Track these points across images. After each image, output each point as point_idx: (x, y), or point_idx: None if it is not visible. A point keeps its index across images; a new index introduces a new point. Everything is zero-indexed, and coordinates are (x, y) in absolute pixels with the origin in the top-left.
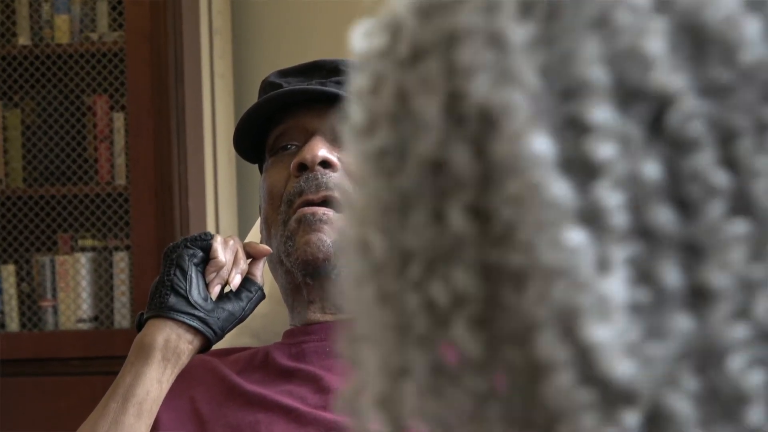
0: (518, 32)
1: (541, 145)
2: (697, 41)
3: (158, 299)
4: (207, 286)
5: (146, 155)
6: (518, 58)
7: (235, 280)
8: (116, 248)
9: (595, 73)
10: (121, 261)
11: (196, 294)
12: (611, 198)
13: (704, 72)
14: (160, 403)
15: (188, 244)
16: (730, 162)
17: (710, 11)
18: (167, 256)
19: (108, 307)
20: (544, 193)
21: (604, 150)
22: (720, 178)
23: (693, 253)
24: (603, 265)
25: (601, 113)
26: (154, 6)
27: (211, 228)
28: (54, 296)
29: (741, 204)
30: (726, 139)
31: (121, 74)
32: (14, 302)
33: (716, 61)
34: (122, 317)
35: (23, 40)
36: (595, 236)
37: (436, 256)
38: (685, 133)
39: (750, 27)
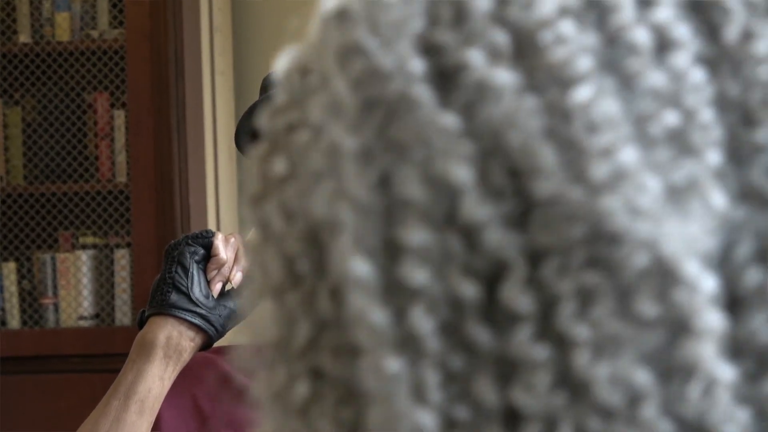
0: (351, 143)
1: (362, 269)
2: (506, 166)
3: (160, 296)
4: (208, 283)
5: (147, 153)
6: (350, 173)
7: (237, 278)
8: (117, 246)
9: (413, 193)
10: (122, 258)
11: (197, 291)
12: (425, 324)
13: (507, 199)
14: (161, 400)
15: (189, 241)
16: (537, 284)
17: (509, 136)
18: (168, 254)
19: (109, 305)
20: (364, 319)
21: (419, 275)
22: (524, 303)
23: (511, 370)
24: (418, 392)
25: (417, 236)
26: (154, 3)
27: (212, 225)
28: (55, 294)
29: (546, 328)
30: (534, 260)
31: (121, 72)
32: (15, 300)
33: (520, 187)
34: (123, 315)
35: (24, 37)
36: (411, 362)
37: (312, 333)
38: (496, 257)
39: (546, 155)
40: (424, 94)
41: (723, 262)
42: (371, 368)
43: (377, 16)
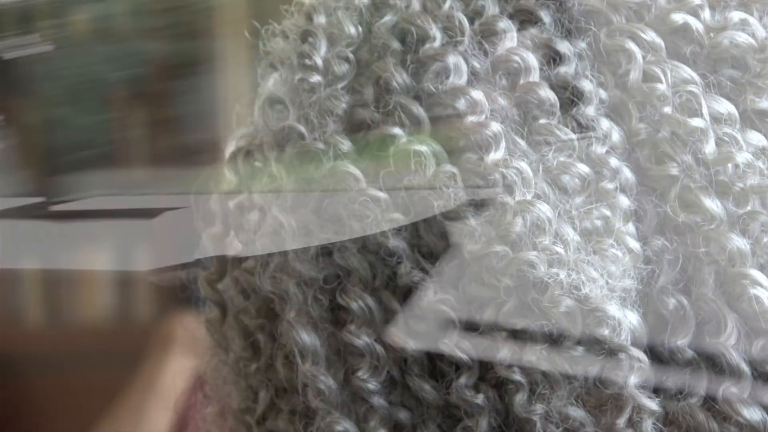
0: (291, 222)
1: (308, 339)
2: (435, 230)
3: (179, 291)
4: None
5: None
6: (292, 249)
7: None
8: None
9: (352, 263)
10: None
11: None
12: (370, 383)
13: (440, 260)
14: (181, 392)
15: None
16: (474, 335)
17: (435, 203)
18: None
19: (128, 301)
20: (314, 384)
21: (362, 338)
22: (463, 354)
23: (454, 417)
24: None
25: (359, 301)
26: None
27: None
28: (73, 290)
29: (485, 375)
30: (470, 312)
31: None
32: (34, 296)
33: (451, 247)
34: (143, 311)
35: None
36: (360, 419)
37: (271, 400)
38: (434, 315)
39: (469, 217)
40: (353, 171)
41: (644, 293)
42: (323, 429)
43: (304, 99)
